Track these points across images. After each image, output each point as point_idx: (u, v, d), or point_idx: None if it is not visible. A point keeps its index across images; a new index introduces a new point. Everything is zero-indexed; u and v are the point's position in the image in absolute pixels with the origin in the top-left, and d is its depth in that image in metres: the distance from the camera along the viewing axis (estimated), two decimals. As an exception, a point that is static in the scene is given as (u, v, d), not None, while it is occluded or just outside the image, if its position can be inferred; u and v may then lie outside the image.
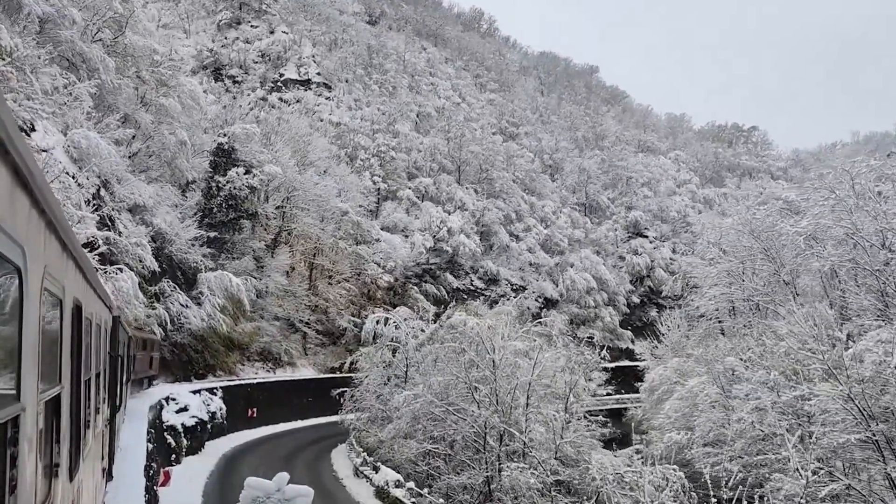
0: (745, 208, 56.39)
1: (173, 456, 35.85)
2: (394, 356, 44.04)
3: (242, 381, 56.54)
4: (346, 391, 46.68)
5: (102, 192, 46.43)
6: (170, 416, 37.95)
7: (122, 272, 36.61)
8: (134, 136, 57.00)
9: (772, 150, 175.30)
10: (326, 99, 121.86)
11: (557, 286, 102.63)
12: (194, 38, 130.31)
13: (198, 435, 41.10)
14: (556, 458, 29.03)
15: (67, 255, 5.39)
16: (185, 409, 40.32)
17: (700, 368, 41.70)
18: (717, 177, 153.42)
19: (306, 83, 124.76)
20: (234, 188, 63.45)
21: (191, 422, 39.78)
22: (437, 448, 32.49)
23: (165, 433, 36.03)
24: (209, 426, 43.62)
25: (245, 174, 64.42)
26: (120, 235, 45.48)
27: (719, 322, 52.27)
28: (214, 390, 49.10)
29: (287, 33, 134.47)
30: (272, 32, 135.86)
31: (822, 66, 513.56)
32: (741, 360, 40.43)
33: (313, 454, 45.33)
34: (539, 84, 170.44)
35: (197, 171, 65.44)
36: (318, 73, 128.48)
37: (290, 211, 71.43)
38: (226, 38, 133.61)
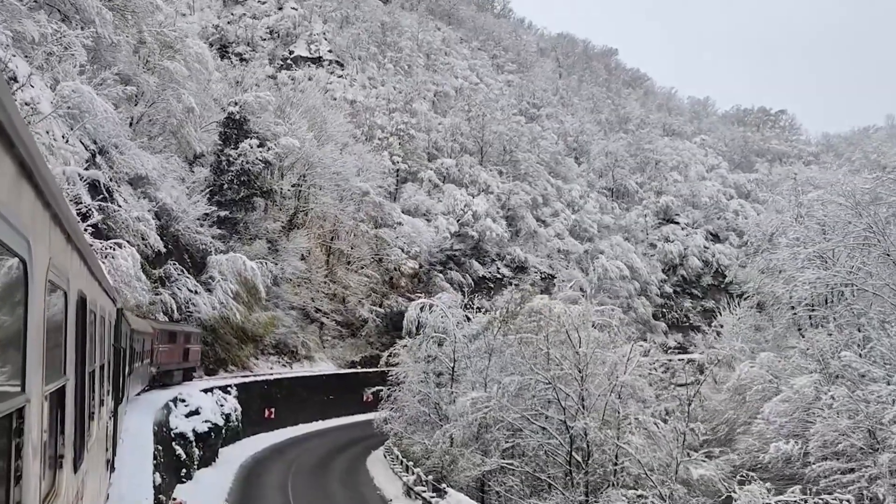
0: (842, 176, 49.61)
1: (183, 471, 29.43)
2: (439, 348, 37.52)
3: (258, 378, 50.10)
4: (381, 390, 40.21)
5: (99, 159, 39.84)
6: (179, 422, 31.47)
7: (120, 248, 30.09)
8: (136, 102, 50.45)
9: (800, 134, 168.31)
10: (339, 77, 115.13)
11: (588, 275, 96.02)
12: (199, 15, 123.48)
13: (211, 443, 34.69)
14: (677, 483, 22.52)
15: (72, 246, 5.41)
16: (196, 413, 33.81)
17: (810, 364, 35.22)
18: (745, 162, 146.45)
19: (317, 60, 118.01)
20: (247, 162, 56.89)
21: (203, 427, 33.29)
22: (512, 464, 25.96)
23: (174, 443, 29.60)
24: (224, 431, 37.18)
25: (259, 147, 57.84)
26: (119, 208, 38.97)
27: (811, 310, 45.55)
28: (228, 388, 42.72)
29: (296, 9, 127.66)
30: (280, 8, 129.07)
31: (845, 50, 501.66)
32: (859, 355, 34.03)
33: (346, 463, 38.94)
34: (557, 66, 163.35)
35: (205, 144, 58.94)
36: (330, 51, 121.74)
37: (306, 189, 64.83)
38: (232, 14, 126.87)
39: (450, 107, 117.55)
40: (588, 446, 25.47)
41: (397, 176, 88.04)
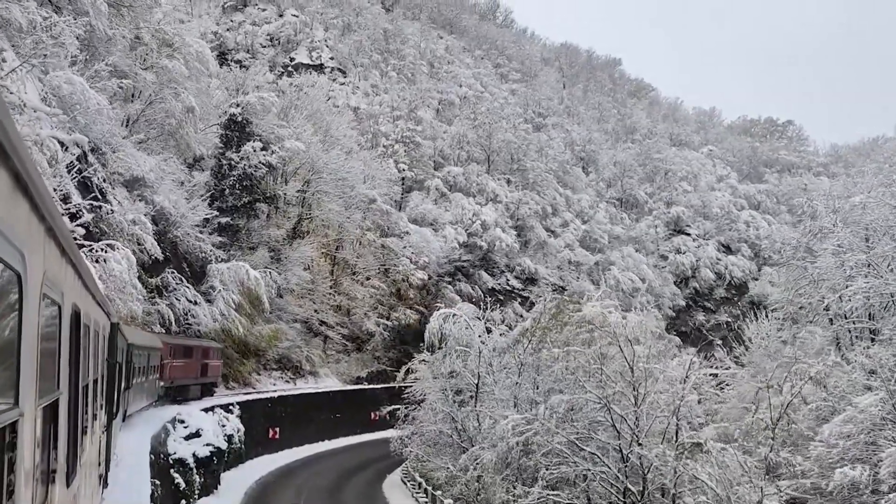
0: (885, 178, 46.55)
1: (183, 501, 26.07)
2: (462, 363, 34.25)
3: (262, 395, 46.72)
4: (398, 409, 36.93)
5: (91, 158, 36.63)
6: (177, 446, 28.12)
7: (113, 250, 26.84)
8: (132, 99, 47.39)
9: (808, 145, 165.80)
10: (342, 84, 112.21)
11: (599, 287, 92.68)
12: (197, 22, 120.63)
13: (213, 468, 31.33)
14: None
15: (66, 260, 5.38)
16: (196, 435, 30.48)
17: (874, 381, 32.04)
18: (754, 172, 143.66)
19: (319, 68, 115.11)
20: (249, 166, 53.78)
21: (205, 451, 29.96)
22: (559, 496, 22.67)
23: (172, 470, 26.25)
24: (226, 454, 33.84)
25: (262, 150, 54.73)
26: (113, 211, 35.78)
27: (853, 323, 42.35)
28: (230, 407, 39.39)
29: (297, 16, 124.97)
30: (281, 15, 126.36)
31: (849, 60, 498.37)
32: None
33: (360, 488, 35.52)
34: (561, 76, 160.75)
35: (205, 147, 55.79)
36: (332, 58, 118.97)
37: (311, 196, 61.64)
38: (231, 20, 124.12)
39: (454, 115, 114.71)
40: (645, 476, 22.24)
41: (403, 184, 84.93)
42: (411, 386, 38.61)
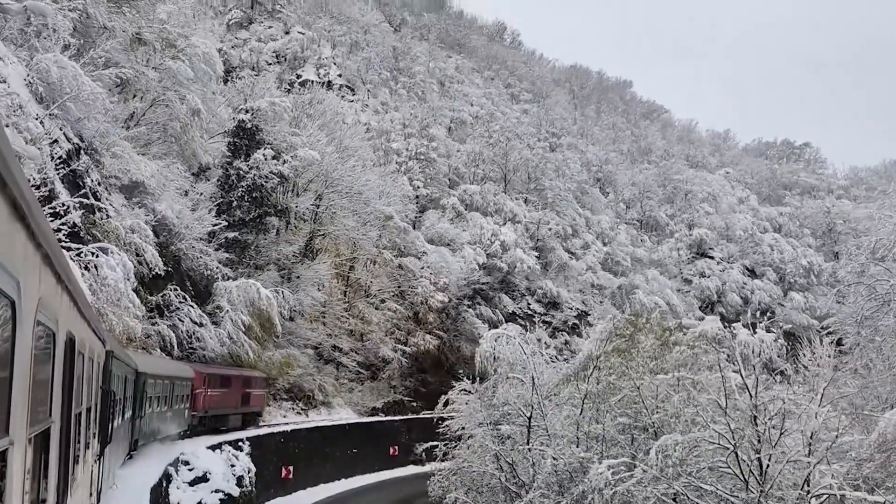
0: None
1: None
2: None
3: (274, 429, 41.55)
4: (436, 446, 31.83)
5: (84, 157, 31.91)
6: (182, 495, 23.12)
7: (106, 254, 21.98)
8: (130, 96, 42.87)
9: (826, 167, 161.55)
10: (350, 101, 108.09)
11: (623, 311, 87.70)
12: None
13: (223, 519, 26.25)
14: None
15: (62, 287, 5.34)
16: (203, 479, 25.44)
17: None
18: (773, 195, 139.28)
19: (327, 85, 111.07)
20: (260, 176, 49.09)
21: (213, 500, 24.92)
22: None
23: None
24: (238, 500, 28.71)
25: (273, 159, 50.11)
26: (108, 218, 31.08)
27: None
28: (240, 443, 34.22)
29: (304, 34, 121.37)
30: (287, 33, 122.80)
31: (865, 82, 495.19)
32: None
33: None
34: (572, 97, 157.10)
35: (212, 156, 51.18)
36: (340, 75, 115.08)
37: (325, 210, 56.86)
38: (236, 38, 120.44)
39: (467, 134, 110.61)
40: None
41: (417, 202, 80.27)
42: (446, 419, 33.58)
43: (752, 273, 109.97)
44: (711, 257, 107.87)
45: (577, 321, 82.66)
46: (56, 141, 28.15)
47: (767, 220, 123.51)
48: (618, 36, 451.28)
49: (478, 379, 33.60)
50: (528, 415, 29.27)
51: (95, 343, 9.47)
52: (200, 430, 33.05)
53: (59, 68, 28.34)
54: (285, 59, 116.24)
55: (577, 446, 27.57)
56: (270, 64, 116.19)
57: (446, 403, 32.65)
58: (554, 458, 26.79)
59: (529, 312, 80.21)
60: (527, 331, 34.62)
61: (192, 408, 30.57)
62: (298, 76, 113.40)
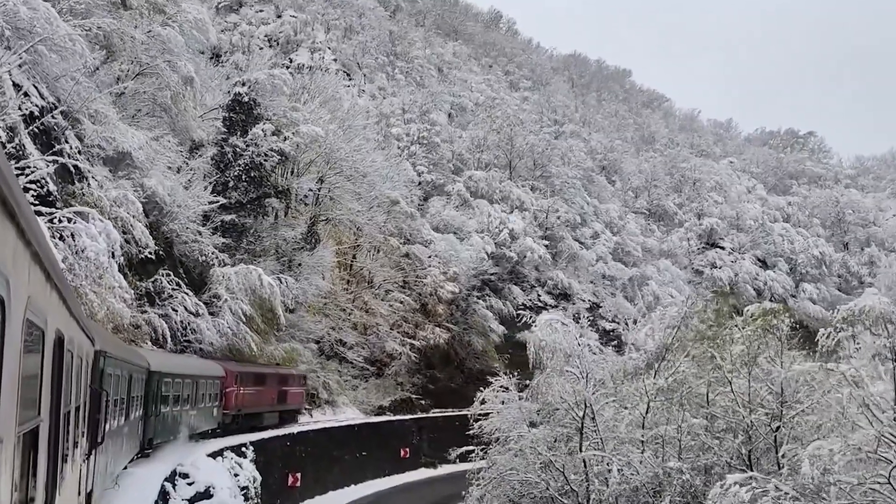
0: None
1: None
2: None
3: (279, 431, 37.26)
4: (472, 450, 27.69)
5: (61, 119, 27.47)
6: (180, 518, 18.81)
7: (85, 221, 17.65)
8: (121, 63, 38.36)
9: (830, 157, 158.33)
10: (346, 86, 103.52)
11: (635, 303, 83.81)
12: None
13: (229, 543, 22.01)
14: None
15: (51, 286, 5.26)
16: (206, 496, 21.17)
17: None
18: (780, 184, 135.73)
19: (321, 69, 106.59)
20: (258, 154, 44.77)
21: (217, 520, 20.65)
22: None
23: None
24: (243, 517, 24.50)
25: (273, 135, 45.78)
26: (88, 186, 26.67)
27: None
28: (243, 449, 29.99)
29: (296, 17, 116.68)
30: (279, 16, 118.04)
31: (864, 71, 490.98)
32: None
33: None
34: (572, 85, 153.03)
35: (206, 132, 46.79)
36: (335, 60, 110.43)
37: (327, 193, 52.47)
38: (226, 21, 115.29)
39: (468, 121, 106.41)
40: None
41: (421, 188, 76.01)
42: (479, 418, 29.45)
43: (763, 264, 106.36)
44: (722, 247, 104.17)
45: (589, 313, 78.65)
46: (27, 94, 23.79)
47: (776, 209, 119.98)
48: (614, 26, 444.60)
49: (513, 374, 29.63)
50: (581, 414, 25.15)
51: (84, 341, 9.32)
52: (234, 429, 32.50)
53: (29, 9, 23.94)
54: (277, 43, 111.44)
55: (643, 452, 23.62)
56: (262, 48, 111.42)
57: (483, 402, 28.55)
58: (620, 468, 22.78)
59: (540, 304, 76.12)
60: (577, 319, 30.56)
61: (224, 406, 30.40)
62: (291, 60, 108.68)
